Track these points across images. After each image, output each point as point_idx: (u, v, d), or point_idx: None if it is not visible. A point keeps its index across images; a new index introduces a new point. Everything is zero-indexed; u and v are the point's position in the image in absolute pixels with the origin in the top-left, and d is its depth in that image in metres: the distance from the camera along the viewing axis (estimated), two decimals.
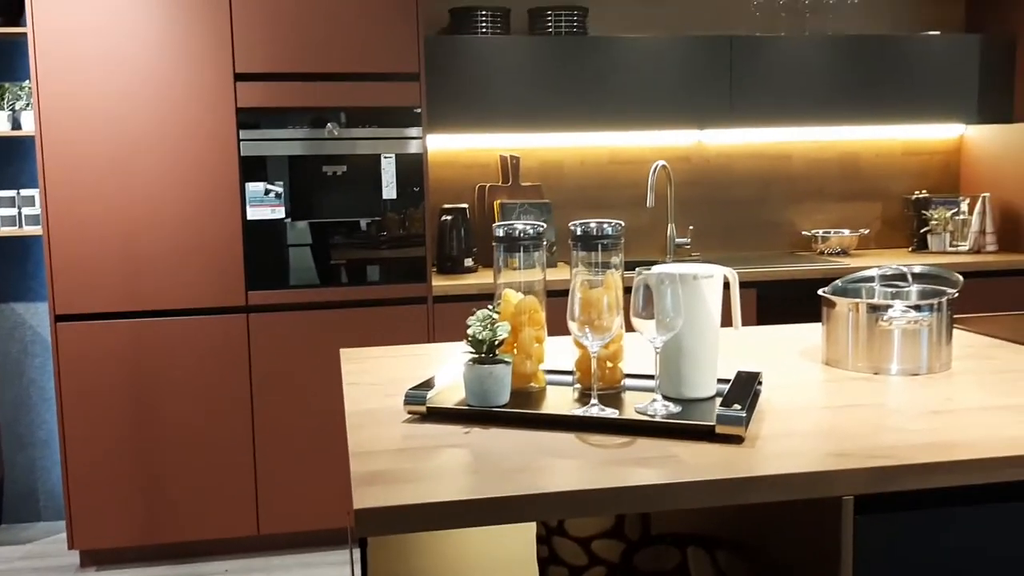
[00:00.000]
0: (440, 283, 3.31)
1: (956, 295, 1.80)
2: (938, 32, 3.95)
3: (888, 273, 1.93)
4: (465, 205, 3.63)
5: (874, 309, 1.77)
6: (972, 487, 1.29)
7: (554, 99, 3.58)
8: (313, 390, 3.22)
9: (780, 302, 3.46)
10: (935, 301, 1.76)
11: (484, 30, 3.54)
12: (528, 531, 1.71)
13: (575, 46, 3.58)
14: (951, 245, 3.86)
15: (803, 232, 4.05)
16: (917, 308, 1.75)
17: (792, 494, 1.22)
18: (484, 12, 3.54)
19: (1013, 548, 1.31)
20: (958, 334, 2.09)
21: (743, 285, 3.51)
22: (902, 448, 1.31)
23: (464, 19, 3.56)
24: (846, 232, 3.94)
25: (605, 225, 1.64)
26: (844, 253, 3.90)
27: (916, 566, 1.28)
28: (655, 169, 3.69)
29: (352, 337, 3.18)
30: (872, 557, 1.26)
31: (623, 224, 1.67)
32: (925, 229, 3.91)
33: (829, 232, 3.95)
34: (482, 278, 3.42)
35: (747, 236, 4.09)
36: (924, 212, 3.91)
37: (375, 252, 3.25)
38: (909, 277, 1.88)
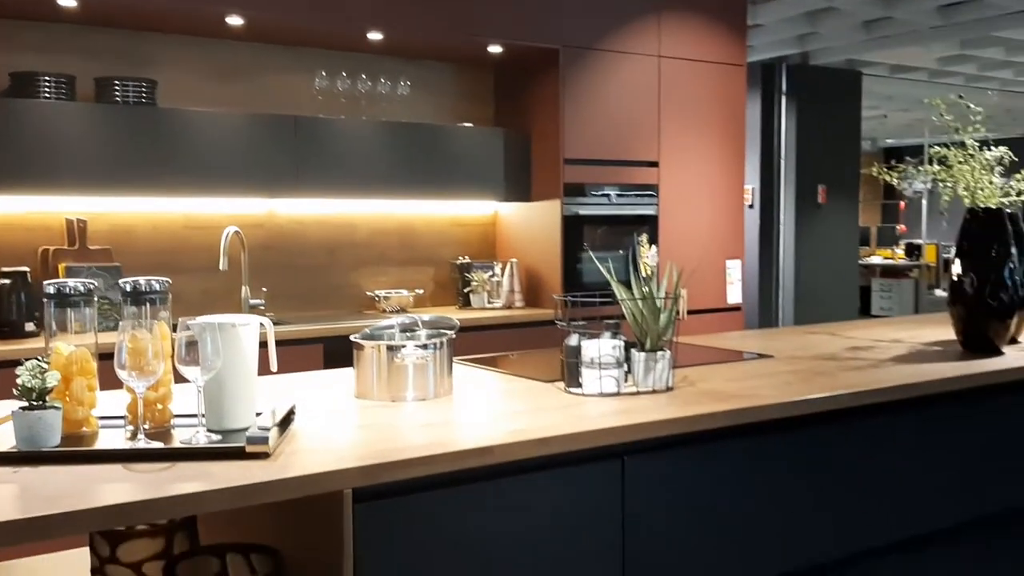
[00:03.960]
0: None
1: (453, 336, 2.27)
2: (472, 124, 4.69)
3: (406, 322, 2.36)
4: (26, 268, 3.56)
5: (391, 349, 2.18)
6: (449, 474, 1.70)
7: (123, 165, 3.67)
8: None
9: (344, 355, 3.82)
10: (436, 341, 2.22)
11: (47, 95, 3.54)
12: (84, 562, 1.84)
13: (144, 116, 3.71)
14: (489, 302, 4.55)
15: (368, 293, 4.51)
16: (424, 347, 2.19)
17: (301, 492, 1.54)
18: (47, 78, 3.55)
19: (481, 521, 1.74)
20: (473, 370, 2.59)
21: (311, 341, 3.87)
22: (391, 451, 1.69)
23: (25, 83, 3.53)
24: (405, 292, 4.47)
25: (153, 282, 1.87)
26: (403, 311, 4.42)
27: (409, 539, 1.65)
28: (227, 234, 3.92)
29: None
30: (371, 536, 1.61)
31: (170, 281, 1.90)
32: (468, 289, 4.57)
33: (390, 292, 4.45)
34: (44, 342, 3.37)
35: (318, 297, 4.45)
36: (467, 275, 4.58)
37: None
38: (420, 324, 2.33)
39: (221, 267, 3.88)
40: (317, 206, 4.41)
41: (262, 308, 4.13)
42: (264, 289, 4.23)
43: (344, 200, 4.38)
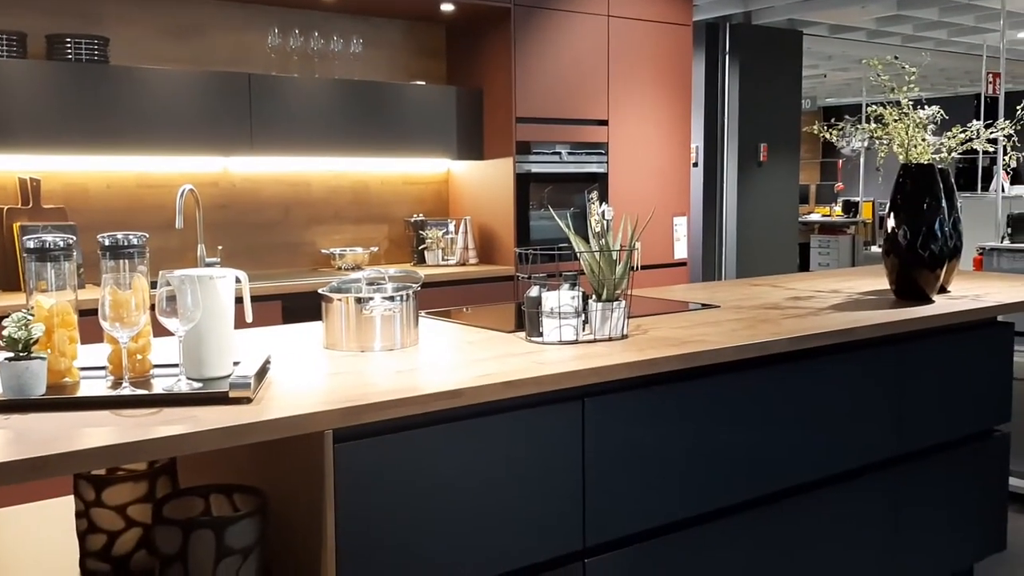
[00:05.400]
0: None
1: (419, 288, 2.36)
2: (424, 83, 4.73)
3: (372, 276, 2.44)
4: None
5: (359, 301, 2.27)
6: (422, 415, 1.80)
7: (76, 124, 3.65)
8: None
9: (302, 311, 3.89)
10: (403, 293, 2.31)
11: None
12: (68, 509, 1.91)
13: (97, 74, 3.69)
14: (443, 259, 4.64)
15: (323, 250, 4.56)
16: (391, 299, 2.28)
17: (286, 432, 1.63)
18: None
19: (452, 459, 1.85)
20: (436, 322, 2.69)
21: (269, 298, 3.92)
22: (367, 395, 1.79)
23: None
24: (359, 250, 4.53)
25: (131, 236, 1.92)
26: (358, 268, 4.48)
27: (386, 477, 1.76)
28: (183, 193, 3.92)
29: None
30: (350, 474, 1.71)
31: (147, 235, 1.96)
32: (423, 246, 4.65)
33: (345, 250, 4.51)
34: (1, 300, 3.38)
35: (273, 255, 4.49)
36: (422, 232, 4.65)
37: None
38: (387, 278, 2.41)
39: (177, 225, 3.88)
40: (271, 164, 4.43)
41: (218, 265, 4.16)
42: (219, 247, 4.26)
43: (298, 158, 4.41)
